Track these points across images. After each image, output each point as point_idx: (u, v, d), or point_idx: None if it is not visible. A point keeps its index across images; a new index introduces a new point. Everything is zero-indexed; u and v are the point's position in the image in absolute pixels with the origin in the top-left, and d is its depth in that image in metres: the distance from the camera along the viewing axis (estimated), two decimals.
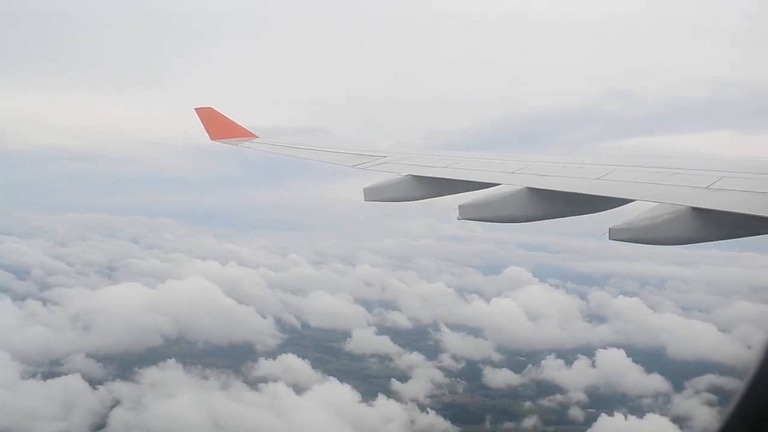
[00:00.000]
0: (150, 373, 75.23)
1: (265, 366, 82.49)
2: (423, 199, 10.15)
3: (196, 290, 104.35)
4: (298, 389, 72.81)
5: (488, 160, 10.49)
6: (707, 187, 6.97)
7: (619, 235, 7.23)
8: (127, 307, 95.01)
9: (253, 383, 76.49)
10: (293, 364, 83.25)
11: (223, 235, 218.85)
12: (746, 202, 6.38)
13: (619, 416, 70.97)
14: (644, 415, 72.34)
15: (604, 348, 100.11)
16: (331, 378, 78.73)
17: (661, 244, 7.18)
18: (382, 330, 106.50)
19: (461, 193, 9.59)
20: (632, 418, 70.43)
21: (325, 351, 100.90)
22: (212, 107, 17.98)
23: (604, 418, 71.00)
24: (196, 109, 17.90)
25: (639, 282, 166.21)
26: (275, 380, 74.83)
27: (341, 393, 71.84)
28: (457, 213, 8.76)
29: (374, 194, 10.33)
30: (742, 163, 7.95)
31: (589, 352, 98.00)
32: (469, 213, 8.72)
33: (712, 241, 7.12)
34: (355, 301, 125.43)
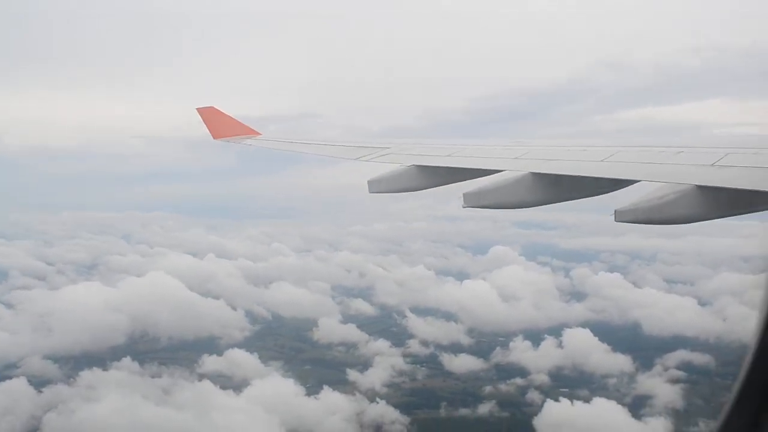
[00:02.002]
0: (95, 375, 74.42)
1: (211, 362, 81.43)
2: (427, 188, 10.18)
3: (159, 286, 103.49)
4: (241, 385, 71.71)
5: (491, 147, 10.54)
6: (713, 165, 6.86)
7: (624, 216, 7.17)
8: (89, 306, 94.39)
9: (202, 379, 75.63)
10: (240, 359, 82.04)
11: (215, 226, 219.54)
12: (753, 178, 6.29)
13: (565, 402, 68.81)
14: (591, 399, 70.03)
15: (578, 327, 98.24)
16: (274, 372, 77.72)
17: (668, 224, 7.13)
18: (352, 318, 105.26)
19: (466, 181, 9.55)
20: (578, 403, 68.31)
21: (294, 341, 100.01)
22: (214, 106, 18.13)
23: (550, 404, 69.03)
24: (197, 108, 18.06)
25: (630, 256, 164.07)
26: (220, 376, 73.99)
27: (284, 387, 70.56)
28: (461, 201, 8.70)
29: (379, 186, 10.32)
30: (747, 139, 7.98)
31: (560, 332, 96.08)
32: (473, 201, 8.63)
33: (718, 218, 7.10)
34: (333, 288, 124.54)
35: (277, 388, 69.67)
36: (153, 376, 78.58)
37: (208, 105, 18.25)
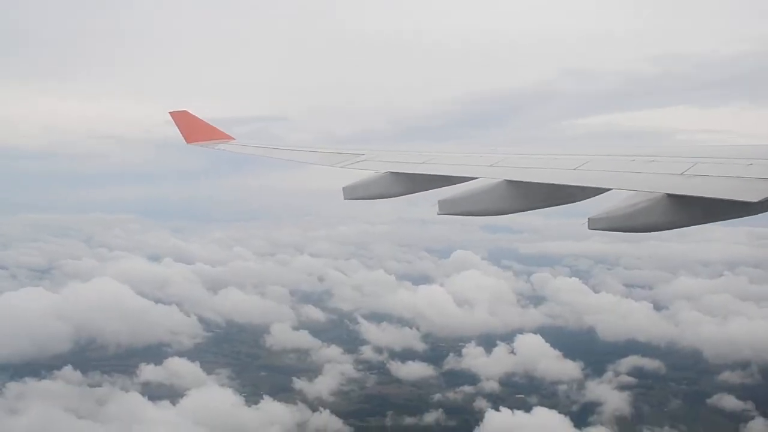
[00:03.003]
0: (27, 385, 72.07)
1: (149, 372, 79.46)
2: (402, 195, 10.24)
3: (106, 292, 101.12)
4: (178, 395, 69.91)
5: (466, 154, 10.67)
6: (682, 174, 7.07)
7: (597, 224, 7.24)
8: (31, 312, 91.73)
9: (133, 390, 73.75)
10: (181, 368, 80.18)
11: (180, 229, 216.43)
12: (720, 187, 6.48)
13: (506, 411, 68.10)
14: (531, 409, 69.40)
15: (532, 333, 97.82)
16: (215, 381, 75.97)
17: (640, 231, 7.19)
18: (306, 324, 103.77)
19: (441, 188, 9.66)
20: (519, 413, 67.62)
21: (248, 348, 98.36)
22: (187, 110, 18.07)
23: (491, 414, 68.32)
24: (170, 112, 17.94)
25: (594, 260, 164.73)
26: (159, 386, 72.18)
27: (222, 397, 68.90)
28: (436, 208, 8.74)
29: (354, 192, 10.39)
30: (715, 149, 8.06)
31: (514, 338, 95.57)
32: (448, 208, 8.68)
33: (689, 226, 7.21)
34: (291, 293, 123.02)
35: (215, 398, 67.95)
36: (92, 386, 76.51)
37: (181, 109, 18.13)
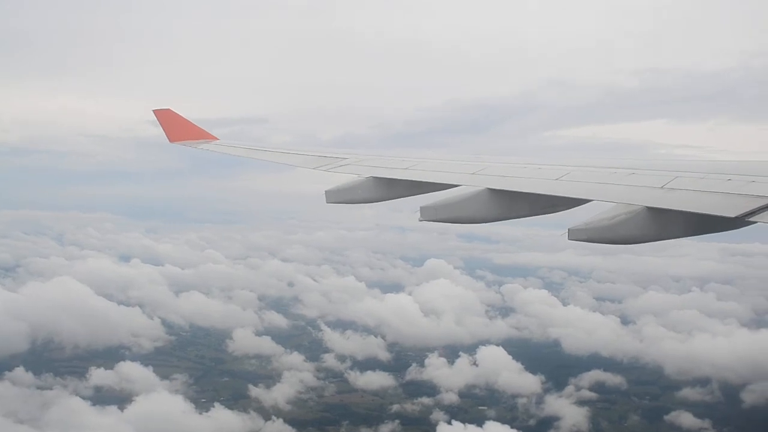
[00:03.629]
0: None
1: (99, 376, 77.85)
2: (384, 200, 10.25)
3: (66, 292, 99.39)
4: (126, 401, 68.53)
5: (449, 162, 10.64)
6: (662, 187, 7.13)
7: (577, 235, 7.26)
8: None
9: (94, 392, 72.35)
10: (134, 372, 78.68)
11: (156, 229, 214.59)
12: (699, 201, 6.57)
13: (458, 425, 67.39)
14: (484, 423, 68.64)
15: (496, 345, 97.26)
16: (169, 387, 74.62)
17: (619, 243, 7.22)
18: (269, 330, 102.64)
19: (424, 194, 9.70)
20: (471, 427, 66.88)
21: (211, 352, 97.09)
22: (171, 109, 17.90)
23: (443, 426, 67.61)
24: (154, 111, 17.81)
25: (568, 272, 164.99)
26: (110, 390, 70.78)
27: (171, 404, 67.54)
28: (418, 214, 8.75)
29: (336, 196, 10.42)
30: (694, 164, 8.05)
31: (477, 349, 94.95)
32: (430, 214, 8.69)
33: (667, 239, 7.26)
34: (259, 298, 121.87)
35: (164, 404, 66.59)
36: (42, 388, 74.89)
37: (165, 107, 17.97)
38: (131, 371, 78.16)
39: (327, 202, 10.45)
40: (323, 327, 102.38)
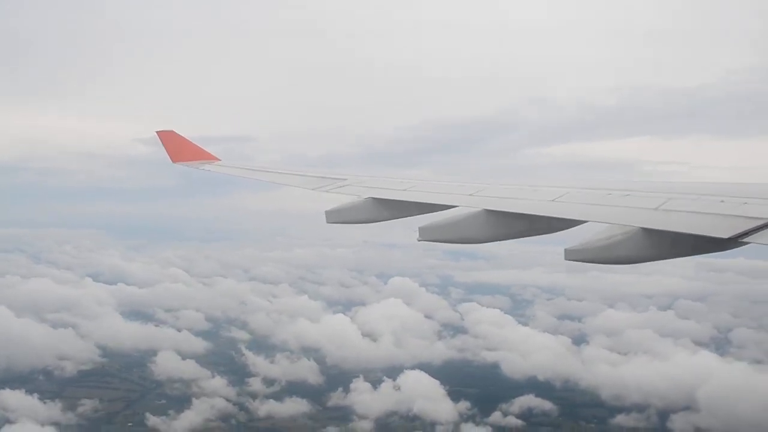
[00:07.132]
0: None
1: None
2: (383, 221, 10.58)
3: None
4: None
5: (446, 183, 11.09)
6: (656, 209, 7.29)
7: (574, 255, 7.30)
8: None
9: None
10: (12, 399, 75.94)
11: (136, 248, 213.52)
12: (693, 222, 6.69)
13: None
14: None
15: (424, 367, 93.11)
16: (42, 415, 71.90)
17: (615, 263, 7.30)
18: (198, 353, 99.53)
19: (422, 215, 9.94)
20: None
21: (137, 374, 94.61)
22: (173, 130, 18.29)
23: None
24: (157, 132, 18.21)
25: (541, 289, 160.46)
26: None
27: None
28: (417, 234, 8.92)
29: (336, 217, 10.68)
30: (687, 185, 8.22)
31: (406, 372, 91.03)
32: (428, 235, 8.84)
33: (663, 259, 7.34)
34: (207, 319, 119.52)
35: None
36: None
37: (168, 129, 18.40)
38: (11, 398, 75.52)
39: (327, 222, 10.68)
40: (255, 349, 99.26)
